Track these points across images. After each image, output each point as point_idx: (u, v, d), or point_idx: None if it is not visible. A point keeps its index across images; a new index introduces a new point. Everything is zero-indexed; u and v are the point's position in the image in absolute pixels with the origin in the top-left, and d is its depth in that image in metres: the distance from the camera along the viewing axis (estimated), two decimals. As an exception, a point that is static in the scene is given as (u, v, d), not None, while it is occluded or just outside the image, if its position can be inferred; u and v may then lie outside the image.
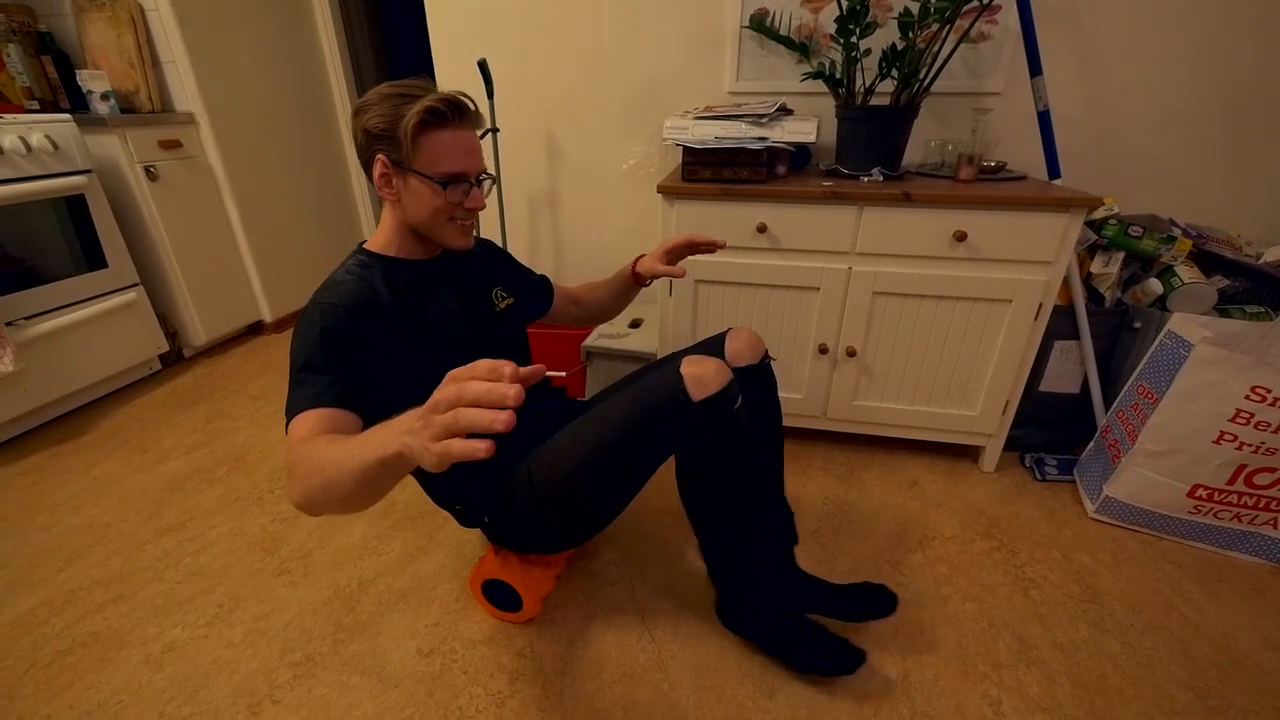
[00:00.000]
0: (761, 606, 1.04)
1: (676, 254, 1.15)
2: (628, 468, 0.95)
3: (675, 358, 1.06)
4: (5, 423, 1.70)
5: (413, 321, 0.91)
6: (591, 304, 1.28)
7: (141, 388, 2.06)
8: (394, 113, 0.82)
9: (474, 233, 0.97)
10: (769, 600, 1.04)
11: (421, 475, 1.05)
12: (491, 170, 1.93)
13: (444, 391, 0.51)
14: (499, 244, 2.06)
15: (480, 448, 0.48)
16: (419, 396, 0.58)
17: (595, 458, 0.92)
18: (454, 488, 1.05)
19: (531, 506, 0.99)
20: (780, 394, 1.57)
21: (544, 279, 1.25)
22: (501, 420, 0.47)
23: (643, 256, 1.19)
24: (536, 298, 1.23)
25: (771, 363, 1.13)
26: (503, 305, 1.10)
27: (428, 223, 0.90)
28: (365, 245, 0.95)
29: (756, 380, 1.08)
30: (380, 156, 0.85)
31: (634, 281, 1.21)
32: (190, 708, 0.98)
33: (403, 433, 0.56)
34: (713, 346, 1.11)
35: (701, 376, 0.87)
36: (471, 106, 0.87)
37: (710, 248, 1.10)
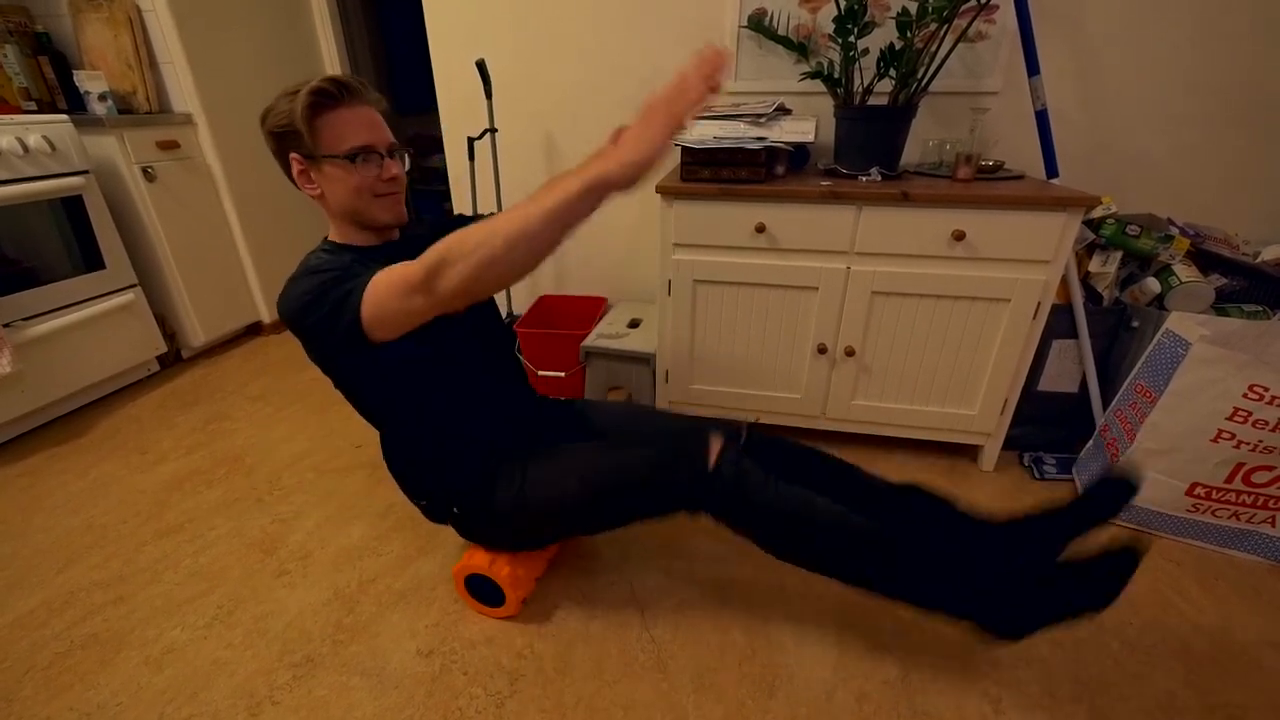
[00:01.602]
0: (1005, 590, 0.88)
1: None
2: (624, 511, 1.00)
3: (698, 422, 1.08)
4: (3, 424, 1.70)
5: None
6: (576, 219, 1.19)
7: (140, 389, 2.06)
8: (289, 107, 0.85)
9: (402, 206, 0.97)
10: (997, 583, 0.88)
11: (402, 462, 1.06)
12: (489, 166, 1.94)
13: (658, 101, 0.68)
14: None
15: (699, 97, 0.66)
16: (404, 367, 0.77)
17: (595, 492, 0.97)
18: (435, 477, 1.06)
19: (515, 510, 1.01)
20: (779, 394, 1.59)
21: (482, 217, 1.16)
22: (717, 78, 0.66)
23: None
24: None
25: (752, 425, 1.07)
26: None
27: (353, 204, 0.91)
28: (328, 237, 0.99)
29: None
30: (293, 155, 0.88)
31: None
32: (190, 709, 0.98)
33: (601, 163, 0.69)
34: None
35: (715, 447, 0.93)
36: (359, 84, 0.89)
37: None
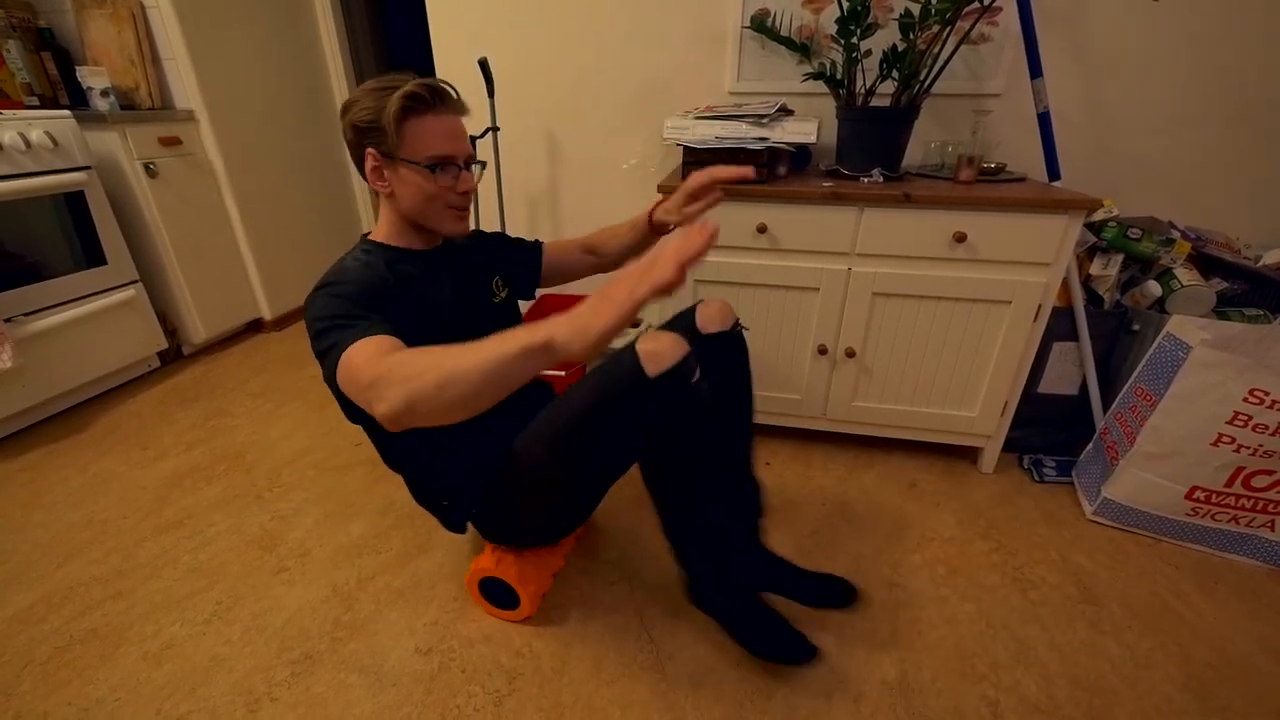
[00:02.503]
0: (727, 584, 1.02)
1: (700, 194, 1.04)
2: (596, 446, 0.93)
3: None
4: (4, 419, 1.70)
5: (415, 308, 0.90)
6: (612, 251, 1.20)
7: (140, 385, 2.06)
8: (377, 104, 0.84)
9: (469, 219, 0.97)
10: (734, 578, 1.02)
11: (413, 473, 1.06)
12: (490, 164, 1.94)
13: (625, 273, 0.60)
14: (499, 243, 2.06)
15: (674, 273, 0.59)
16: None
17: (565, 437, 0.92)
18: (444, 481, 1.05)
19: (516, 492, 1.00)
20: (779, 394, 1.59)
21: (535, 244, 1.21)
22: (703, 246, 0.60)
23: (661, 202, 1.11)
24: (528, 272, 1.20)
25: (744, 332, 1.12)
26: (501, 295, 1.11)
27: (422, 210, 0.91)
28: (369, 236, 0.97)
29: (725, 347, 1.08)
30: (370, 150, 0.87)
31: (650, 230, 1.14)
32: (188, 705, 0.98)
33: (550, 325, 0.61)
34: (683, 318, 1.12)
35: (657, 352, 0.86)
36: (453, 92, 0.89)
37: (736, 180, 0.98)
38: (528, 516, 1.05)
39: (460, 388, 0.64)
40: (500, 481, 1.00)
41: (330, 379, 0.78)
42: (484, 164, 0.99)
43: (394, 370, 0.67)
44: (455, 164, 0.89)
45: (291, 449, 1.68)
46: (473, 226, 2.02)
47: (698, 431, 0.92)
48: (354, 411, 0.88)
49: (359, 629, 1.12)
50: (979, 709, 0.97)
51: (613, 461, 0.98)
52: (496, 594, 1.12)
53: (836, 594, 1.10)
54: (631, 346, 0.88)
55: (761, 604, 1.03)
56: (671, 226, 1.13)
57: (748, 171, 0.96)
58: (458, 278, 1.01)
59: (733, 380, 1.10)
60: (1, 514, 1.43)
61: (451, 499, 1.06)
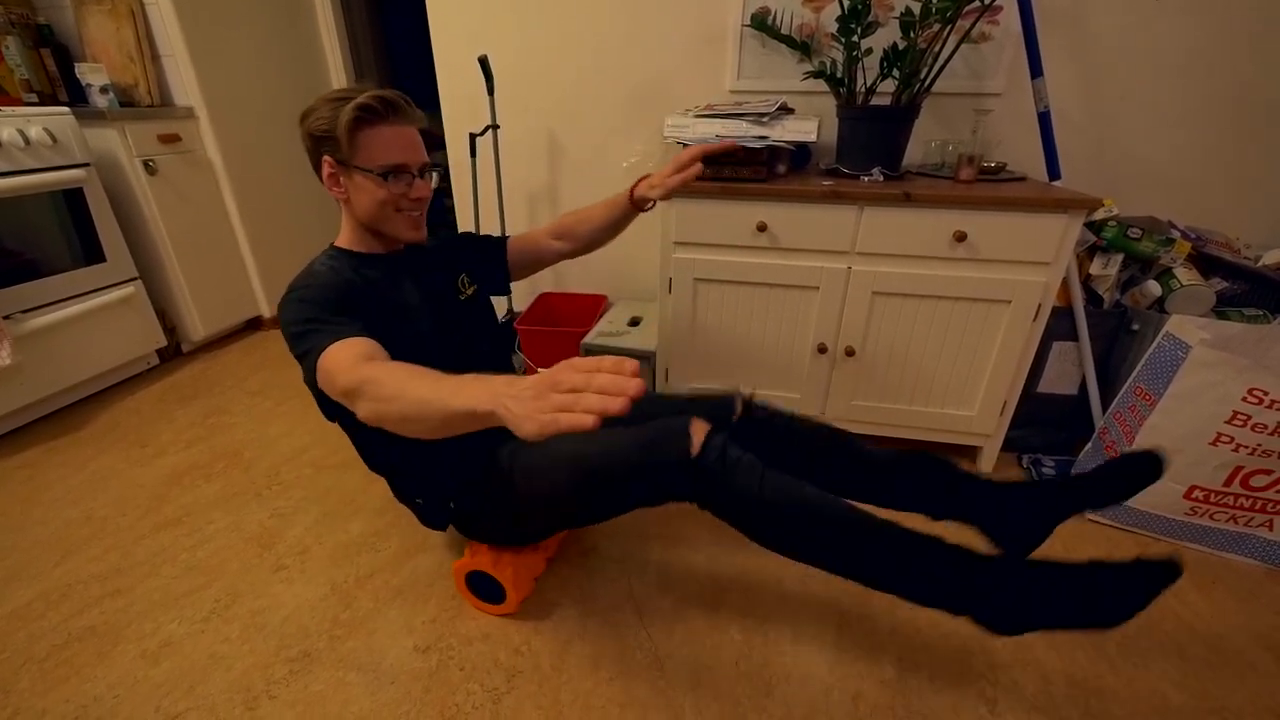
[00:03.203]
0: (995, 577, 0.85)
1: (686, 167, 1.08)
2: (612, 500, 0.98)
3: (682, 407, 1.08)
4: (2, 416, 1.70)
5: (380, 310, 0.93)
6: (584, 235, 1.22)
7: (139, 382, 2.06)
8: (332, 114, 0.87)
9: (424, 225, 1.00)
10: (994, 556, 0.87)
11: (391, 466, 1.09)
12: (490, 163, 1.94)
13: (567, 375, 0.55)
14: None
15: (589, 422, 0.52)
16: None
17: (584, 479, 0.94)
18: (425, 479, 1.06)
19: (505, 502, 1.02)
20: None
21: (500, 240, 1.23)
22: (617, 406, 0.52)
23: (645, 178, 1.12)
24: (494, 268, 1.21)
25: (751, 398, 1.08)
26: (468, 293, 1.13)
27: (376, 216, 0.94)
28: (335, 243, 1.01)
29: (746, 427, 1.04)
30: (326, 158, 0.90)
31: (632, 206, 1.16)
32: (186, 703, 0.98)
33: (503, 395, 0.60)
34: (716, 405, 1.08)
35: (701, 429, 0.90)
36: (406, 103, 0.91)
37: (723, 151, 1.05)
38: (515, 522, 1.06)
39: (417, 425, 0.70)
40: (488, 484, 1.01)
41: (309, 381, 0.83)
42: (440, 168, 1.00)
43: (366, 388, 0.72)
44: (408, 172, 0.92)
45: (290, 447, 1.68)
46: (469, 227, 2.01)
47: (767, 487, 0.89)
48: (330, 410, 0.91)
49: (357, 627, 1.12)
50: (977, 708, 0.97)
51: (619, 509, 1.02)
52: (482, 588, 1.13)
53: (1123, 473, 0.91)
54: (685, 423, 0.91)
55: (1070, 570, 0.84)
56: (649, 205, 1.16)
57: (731, 144, 1.02)
58: (421, 279, 1.04)
59: (772, 439, 1.03)
60: (0, 511, 1.43)
61: (426, 497, 1.09)
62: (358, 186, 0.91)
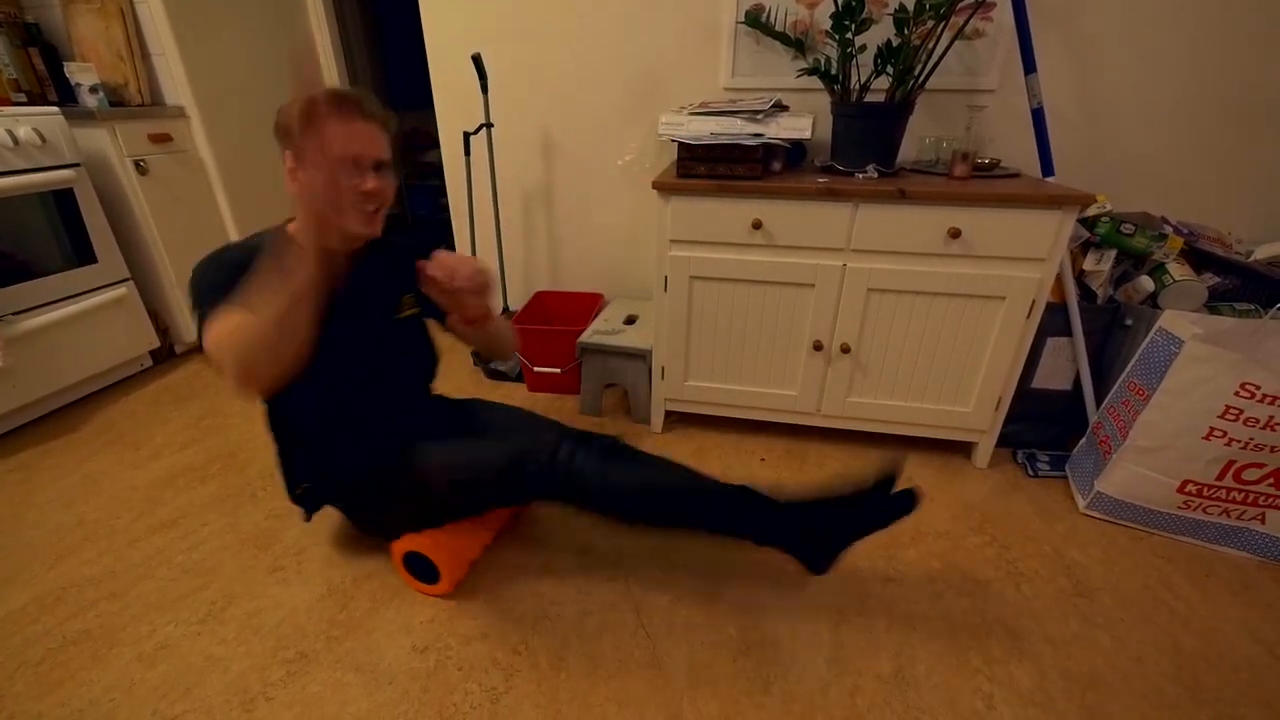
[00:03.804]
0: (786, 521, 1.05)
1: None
2: (481, 499, 1.12)
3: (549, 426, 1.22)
4: (-6, 419, 1.69)
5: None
6: (478, 339, 1.16)
7: (133, 384, 2.04)
8: (290, 110, 0.92)
9: (378, 221, 0.99)
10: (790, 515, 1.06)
11: (283, 453, 1.15)
12: (485, 160, 1.93)
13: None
14: (494, 243, 2.06)
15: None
16: (313, 380, 0.86)
17: (456, 484, 1.06)
18: (318, 467, 1.14)
19: (389, 496, 1.13)
20: (774, 390, 1.59)
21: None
22: None
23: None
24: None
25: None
26: (406, 313, 1.14)
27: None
28: (286, 226, 1.04)
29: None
30: (286, 152, 0.95)
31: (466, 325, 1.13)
32: (183, 705, 0.98)
33: (293, 249, 0.78)
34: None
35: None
36: (364, 100, 0.94)
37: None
38: (405, 516, 1.16)
39: (262, 345, 0.79)
40: (392, 480, 1.11)
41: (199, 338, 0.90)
42: (400, 170, 1.02)
43: (221, 349, 0.81)
44: (360, 164, 0.94)
45: (286, 448, 1.67)
46: (463, 226, 1.99)
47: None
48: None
49: (355, 627, 1.12)
50: (973, 702, 0.98)
51: (489, 505, 1.16)
52: (418, 568, 1.18)
53: (896, 503, 1.06)
54: (548, 435, 1.06)
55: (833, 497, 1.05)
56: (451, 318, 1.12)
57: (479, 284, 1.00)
58: (358, 282, 1.03)
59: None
60: (-8, 515, 1.42)
61: (316, 482, 1.16)
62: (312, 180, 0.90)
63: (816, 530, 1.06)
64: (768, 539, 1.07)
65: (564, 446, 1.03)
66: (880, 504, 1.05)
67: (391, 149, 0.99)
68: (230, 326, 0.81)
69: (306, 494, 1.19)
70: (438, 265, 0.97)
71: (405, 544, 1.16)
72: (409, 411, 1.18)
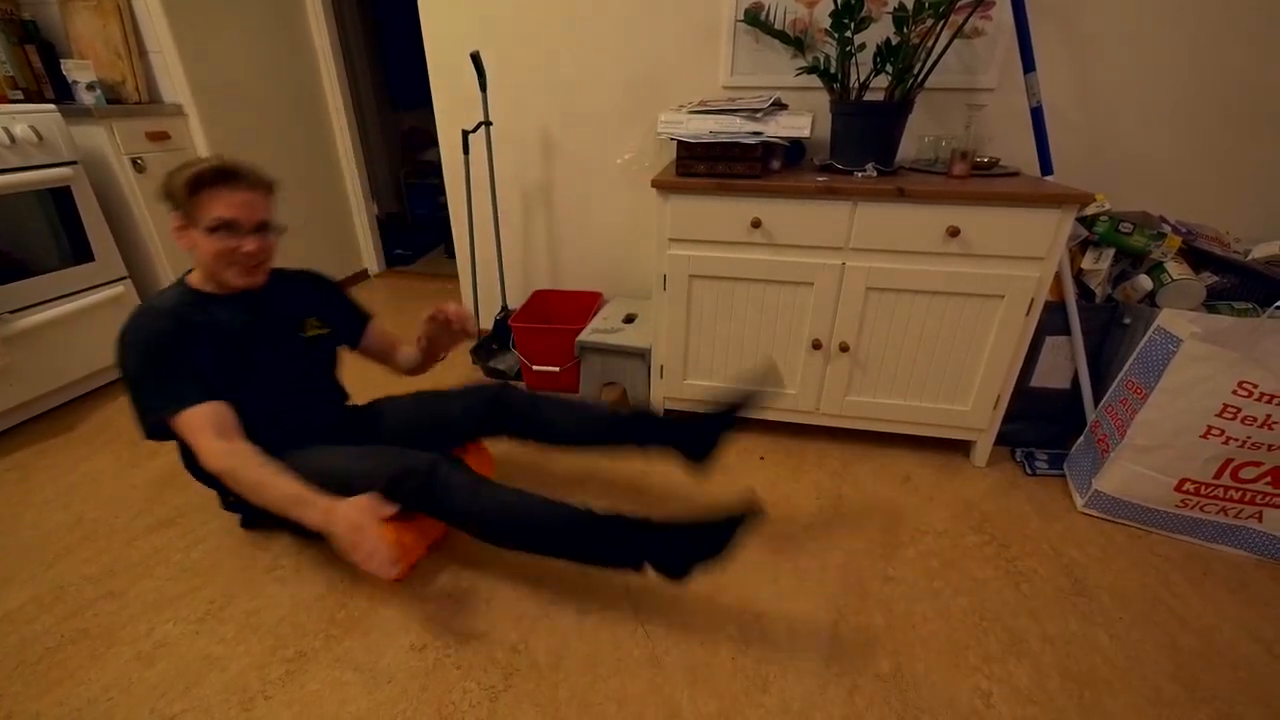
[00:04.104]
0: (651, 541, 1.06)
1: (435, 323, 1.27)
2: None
3: (455, 397, 1.33)
4: (-9, 418, 1.68)
5: (225, 345, 1.09)
6: (400, 365, 1.40)
7: (130, 383, 2.04)
8: (178, 179, 1.03)
9: (258, 274, 1.14)
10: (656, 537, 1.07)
11: (189, 457, 1.18)
12: (484, 159, 1.93)
13: (363, 544, 0.93)
14: (493, 242, 2.06)
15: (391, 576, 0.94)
16: (237, 403, 1.05)
17: (335, 486, 1.05)
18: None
19: None
20: (774, 389, 1.59)
21: (366, 317, 1.38)
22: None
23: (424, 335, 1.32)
24: (349, 328, 1.35)
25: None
26: (311, 333, 1.25)
27: (211, 265, 1.08)
28: (186, 279, 1.14)
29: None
30: (174, 214, 1.06)
31: (420, 350, 1.37)
32: (182, 704, 0.97)
33: (325, 516, 0.95)
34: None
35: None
36: (245, 170, 1.07)
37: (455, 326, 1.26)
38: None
39: (255, 500, 1.01)
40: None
41: (150, 435, 1.06)
42: (282, 229, 1.17)
43: (238, 470, 1.00)
44: (239, 228, 1.06)
45: (284, 446, 1.67)
46: (463, 226, 2.00)
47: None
48: (161, 437, 1.09)
49: (353, 626, 1.12)
50: (972, 700, 0.98)
51: None
52: None
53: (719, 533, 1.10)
54: (420, 458, 1.11)
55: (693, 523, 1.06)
56: (422, 342, 1.34)
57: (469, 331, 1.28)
58: (262, 315, 1.17)
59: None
60: (-10, 514, 1.42)
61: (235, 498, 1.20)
62: (195, 240, 1.06)
63: (673, 550, 1.05)
64: (633, 562, 1.06)
65: (440, 469, 1.08)
66: (722, 535, 1.03)
67: (273, 209, 1.14)
68: (249, 466, 1.00)
69: (239, 501, 1.20)
70: (458, 312, 1.23)
71: None
72: (318, 420, 1.26)
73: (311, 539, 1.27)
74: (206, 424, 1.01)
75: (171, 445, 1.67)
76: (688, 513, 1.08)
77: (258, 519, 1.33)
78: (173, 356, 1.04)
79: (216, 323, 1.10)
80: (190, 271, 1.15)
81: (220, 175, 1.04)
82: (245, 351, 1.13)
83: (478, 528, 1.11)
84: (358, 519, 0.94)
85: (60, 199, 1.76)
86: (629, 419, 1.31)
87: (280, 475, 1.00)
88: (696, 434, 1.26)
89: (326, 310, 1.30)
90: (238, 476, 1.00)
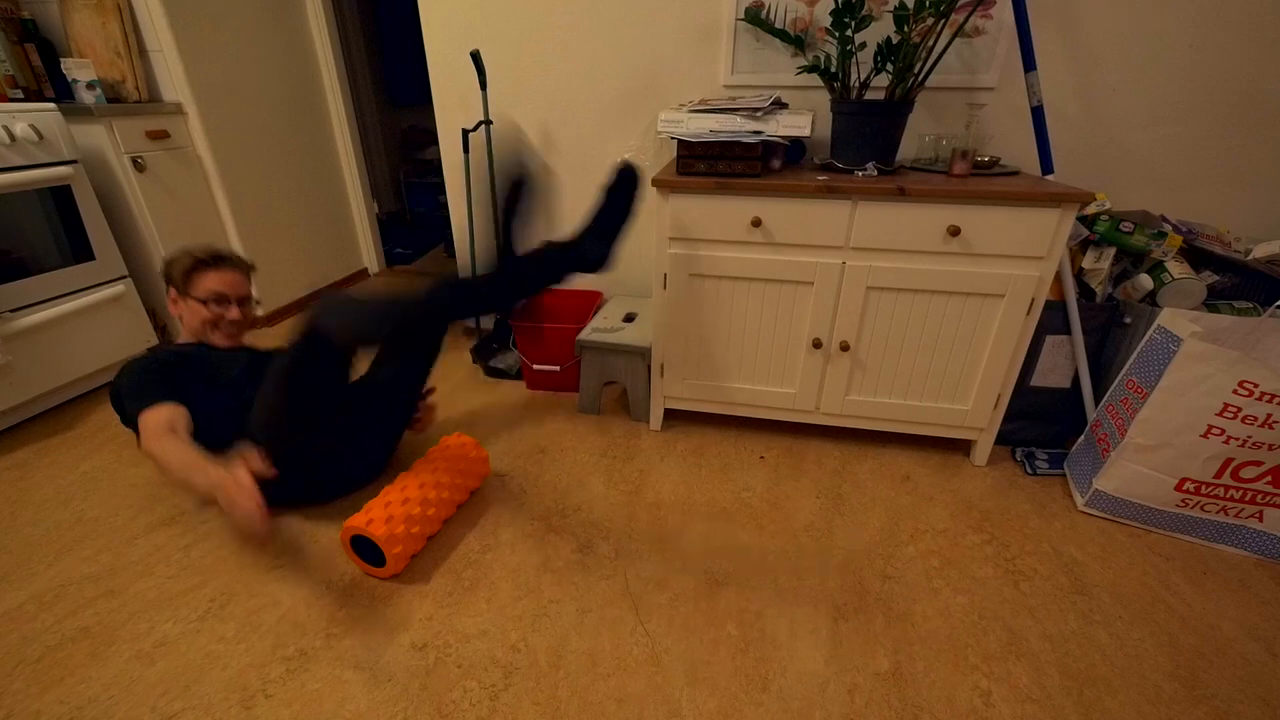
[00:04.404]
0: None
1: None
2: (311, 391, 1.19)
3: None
4: (-8, 417, 1.68)
5: (213, 374, 1.34)
6: None
7: (131, 381, 2.04)
8: (179, 261, 1.37)
9: (239, 338, 1.46)
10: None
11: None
12: (484, 158, 1.92)
13: (232, 489, 1.00)
14: (492, 239, 2.06)
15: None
16: (212, 414, 1.23)
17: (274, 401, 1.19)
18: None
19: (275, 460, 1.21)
20: (773, 388, 1.59)
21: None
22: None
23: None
24: None
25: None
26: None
27: (199, 329, 1.40)
28: (176, 342, 1.44)
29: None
30: (171, 289, 1.39)
31: None
32: (182, 703, 0.98)
33: (210, 480, 1.03)
34: None
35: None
36: (232, 256, 1.42)
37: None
38: (287, 473, 1.22)
39: (180, 486, 1.26)
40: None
41: (131, 427, 1.23)
42: (258, 301, 1.43)
43: (154, 458, 1.13)
44: (227, 300, 1.39)
45: (284, 445, 1.67)
46: (462, 224, 2.00)
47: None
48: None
49: (354, 624, 1.12)
50: (971, 699, 0.98)
51: (319, 406, 1.23)
52: (365, 551, 1.22)
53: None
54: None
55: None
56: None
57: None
58: (247, 364, 1.39)
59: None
60: (-10, 512, 1.42)
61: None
62: (190, 309, 1.38)
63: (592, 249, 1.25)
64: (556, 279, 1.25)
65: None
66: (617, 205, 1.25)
67: (250, 287, 1.46)
68: (168, 444, 1.11)
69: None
70: (431, 416, 1.58)
71: (351, 528, 1.19)
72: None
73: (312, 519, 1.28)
74: (156, 417, 1.16)
75: (172, 444, 1.68)
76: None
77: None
78: (150, 376, 1.24)
79: (209, 361, 1.36)
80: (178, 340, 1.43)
81: (215, 259, 1.38)
82: (232, 391, 1.31)
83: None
84: (230, 476, 1.01)
85: (60, 198, 1.76)
86: (539, 260, 1.31)
87: (188, 447, 1.10)
88: (587, 248, 1.31)
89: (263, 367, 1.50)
90: (156, 450, 1.12)
